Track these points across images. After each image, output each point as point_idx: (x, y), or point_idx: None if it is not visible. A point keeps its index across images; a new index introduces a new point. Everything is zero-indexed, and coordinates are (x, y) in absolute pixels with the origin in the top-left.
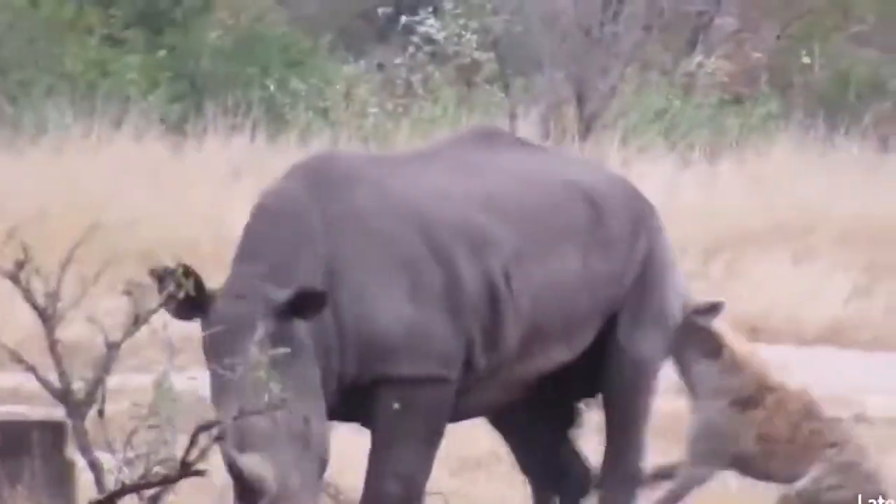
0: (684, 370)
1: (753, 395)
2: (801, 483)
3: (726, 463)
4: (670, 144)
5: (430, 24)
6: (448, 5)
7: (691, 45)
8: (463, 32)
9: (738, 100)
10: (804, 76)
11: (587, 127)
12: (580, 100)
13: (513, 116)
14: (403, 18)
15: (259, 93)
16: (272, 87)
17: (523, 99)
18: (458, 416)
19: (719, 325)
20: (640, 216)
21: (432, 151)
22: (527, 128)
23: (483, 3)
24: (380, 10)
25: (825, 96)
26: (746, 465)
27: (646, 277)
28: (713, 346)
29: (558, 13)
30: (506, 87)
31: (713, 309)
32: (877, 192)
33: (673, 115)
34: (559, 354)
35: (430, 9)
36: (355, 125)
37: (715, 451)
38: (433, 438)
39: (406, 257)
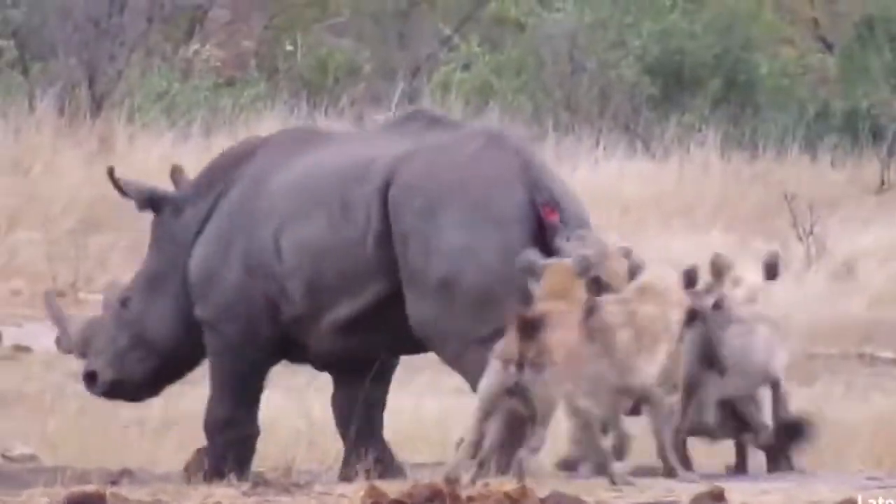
0: None
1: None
2: None
3: None
4: (171, 122)
5: None
6: None
7: (189, 35)
8: None
9: (230, 83)
10: (288, 62)
11: (98, 106)
12: (91, 82)
13: (31, 97)
14: None
15: None
16: None
17: (41, 81)
18: (316, 364)
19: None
20: (377, 187)
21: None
22: (44, 107)
23: None
24: None
25: (307, 80)
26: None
27: (395, 240)
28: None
29: (71, 6)
30: (25, 71)
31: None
32: None
33: (173, 96)
34: (347, 308)
35: None
36: None
37: None
38: (240, 380)
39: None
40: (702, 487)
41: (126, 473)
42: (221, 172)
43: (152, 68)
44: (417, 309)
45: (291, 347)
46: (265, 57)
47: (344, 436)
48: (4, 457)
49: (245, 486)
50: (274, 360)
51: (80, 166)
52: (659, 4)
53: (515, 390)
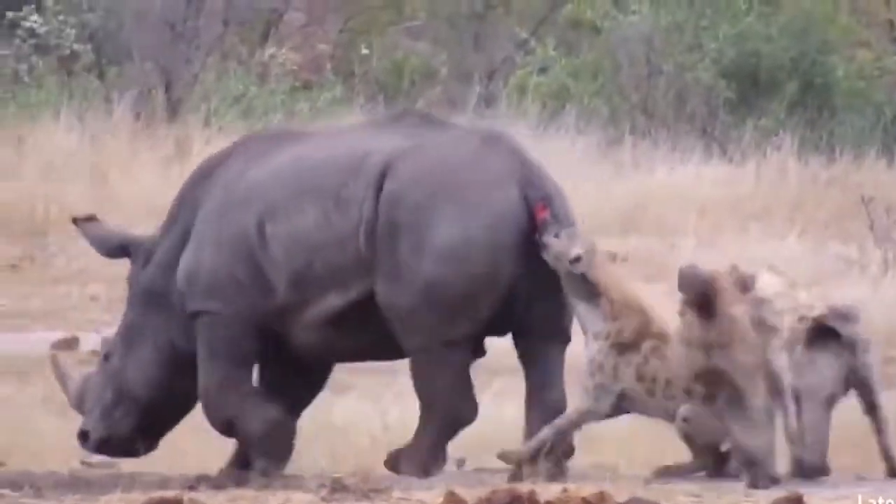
0: (576, 314)
1: (633, 339)
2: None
3: (613, 399)
4: (248, 125)
5: (33, 20)
6: (49, 3)
7: (265, 38)
8: (63, 27)
9: (306, 86)
10: (364, 65)
11: (174, 110)
12: (167, 86)
13: (108, 101)
14: (9, 14)
15: None
16: None
17: (117, 85)
18: (307, 355)
19: (611, 269)
20: (373, 180)
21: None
22: (121, 111)
23: (80, 1)
24: None
25: (383, 83)
26: (631, 403)
27: (382, 231)
28: (591, 292)
29: (147, 10)
30: (101, 75)
31: (580, 259)
32: None
33: (250, 100)
34: (334, 301)
35: (33, 6)
36: None
37: (602, 386)
38: (232, 344)
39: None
40: (780, 492)
41: (203, 479)
42: (185, 199)
43: (228, 72)
44: (395, 297)
45: (271, 336)
46: (341, 60)
47: None
48: (83, 463)
49: (323, 492)
50: (263, 338)
51: (157, 170)
52: (735, 7)
53: (703, 374)
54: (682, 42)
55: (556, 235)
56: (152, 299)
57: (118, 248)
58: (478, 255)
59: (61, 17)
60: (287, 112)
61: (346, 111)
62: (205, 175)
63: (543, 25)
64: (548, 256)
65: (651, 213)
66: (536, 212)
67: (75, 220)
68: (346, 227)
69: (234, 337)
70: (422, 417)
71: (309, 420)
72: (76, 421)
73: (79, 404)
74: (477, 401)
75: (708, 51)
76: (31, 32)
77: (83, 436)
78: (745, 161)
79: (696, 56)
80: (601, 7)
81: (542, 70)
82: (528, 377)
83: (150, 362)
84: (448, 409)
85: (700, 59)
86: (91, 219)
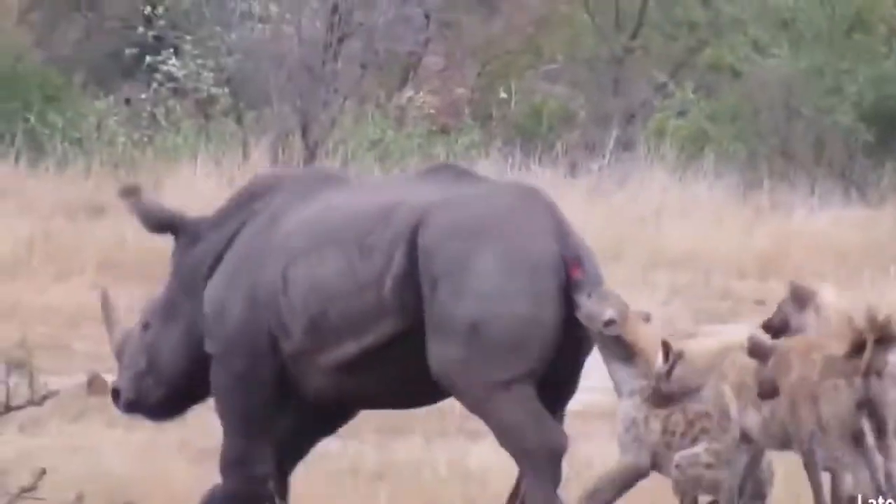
0: (609, 372)
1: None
2: (681, 454)
3: (648, 453)
4: (385, 170)
5: (171, 64)
6: (187, 47)
7: (403, 82)
8: (200, 71)
9: (444, 130)
10: (502, 109)
11: (311, 154)
12: (305, 130)
13: (245, 145)
14: (148, 58)
15: (21, 125)
16: (32, 120)
17: (255, 129)
18: (313, 398)
19: (645, 329)
20: (404, 230)
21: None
22: (258, 155)
23: (218, 44)
24: (126, 51)
25: (521, 127)
26: (658, 459)
27: (417, 286)
28: (626, 353)
29: (285, 53)
30: (239, 119)
31: (613, 322)
32: (568, 212)
33: (387, 144)
34: (350, 347)
35: (172, 50)
36: (107, 153)
37: (638, 439)
38: (249, 416)
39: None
40: None
41: None
42: (242, 205)
43: (366, 116)
44: (442, 352)
45: (288, 384)
46: (479, 104)
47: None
48: None
49: None
50: (285, 398)
51: None
52: (874, 50)
53: (864, 403)
54: (822, 85)
55: (589, 296)
56: (191, 283)
57: (165, 225)
58: (520, 295)
59: (199, 61)
60: (424, 156)
61: (484, 155)
62: (264, 192)
63: (682, 69)
64: (580, 316)
65: (789, 256)
66: (570, 270)
67: (122, 194)
68: (369, 273)
69: (252, 409)
70: (519, 465)
71: (445, 465)
72: (213, 468)
73: (118, 355)
74: (560, 426)
75: (847, 94)
76: (169, 76)
77: (115, 393)
78: (883, 204)
79: (835, 99)
80: (740, 50)
81: (681, 113)
82: None
83: (180, 345)
84: (534, 443)
85: (839, 102)
86: (136, 191)
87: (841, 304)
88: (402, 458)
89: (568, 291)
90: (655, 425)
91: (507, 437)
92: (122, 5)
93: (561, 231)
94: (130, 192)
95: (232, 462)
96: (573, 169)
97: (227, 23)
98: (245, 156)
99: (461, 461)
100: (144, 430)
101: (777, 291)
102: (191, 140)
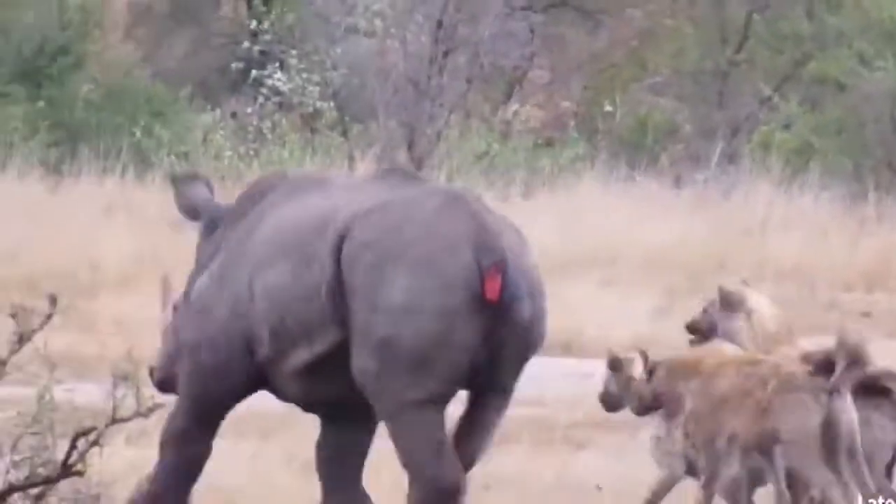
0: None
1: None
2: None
3: (681, 462)
4: (490, 183)
5: (277, 78)
6: (293, 61)
7: (508, 96)
8: (306, 85)
9: (549, 143)
10: (607, 122)
11: (418, 167)
12: (410, 144)
13: (351, 159)
14: (254, 73)
15: (127, 139)
16: (139, 134)
17: (360, 143)
18: (289, 399)
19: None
20: (334, 240)
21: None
22: (364, 169)
23: (323, 59)
24: (233, 66)
25: (626, 140)
26: (692, 464)
27: (345, 296)
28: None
29: (390, 67)
30: (345, 133)
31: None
32: (673, 223)
33: (492, 158)
34: (304, 354)
35: (277, 64)
36: (213, 167)
37: (668, 453)
38: (207, 401)
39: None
40: None
41: None
42: (246, 203)
43: (471, 129)
44: (359, 364)
45: (264, 387)
46: (584, 117)
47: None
48: None
49: None
50: (244, 395)
51: None
52: None
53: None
54: None
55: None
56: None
57: (190, 210)
58: (426, 313)
59: (305, 75)
60: (529, 169)
61: (589, 168)
62: (264, 192)
63: (787, 82)
64: None
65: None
66: (487, 278)
67: (172, 181)
68: (311, 283)
69: (211, 396)
70: (409, 486)
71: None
72: (317, 480)
73: (162, 335)
74: (457, 463)
75: None
76: (275, 90)
77: (151, 371)
78: None
79: None
80: (845, 63)
81: (786, 126)
82: (458, 421)
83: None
84: (428, 477)
85: None
86: (192, 176)
87: (773, 310)
88: (508, 469)
89: (493, 302)
90: (677, 434)
91: (406, 461)
92: (229, 20)
93: (481, 240)
94: (184, 177)
95: (177, 433)
96: (678, 181)
97: (332, 37)
98: (351, 169)
99: (566, 471)
100: (250, 440)
101: (883, 303)
102: (297, 154)
